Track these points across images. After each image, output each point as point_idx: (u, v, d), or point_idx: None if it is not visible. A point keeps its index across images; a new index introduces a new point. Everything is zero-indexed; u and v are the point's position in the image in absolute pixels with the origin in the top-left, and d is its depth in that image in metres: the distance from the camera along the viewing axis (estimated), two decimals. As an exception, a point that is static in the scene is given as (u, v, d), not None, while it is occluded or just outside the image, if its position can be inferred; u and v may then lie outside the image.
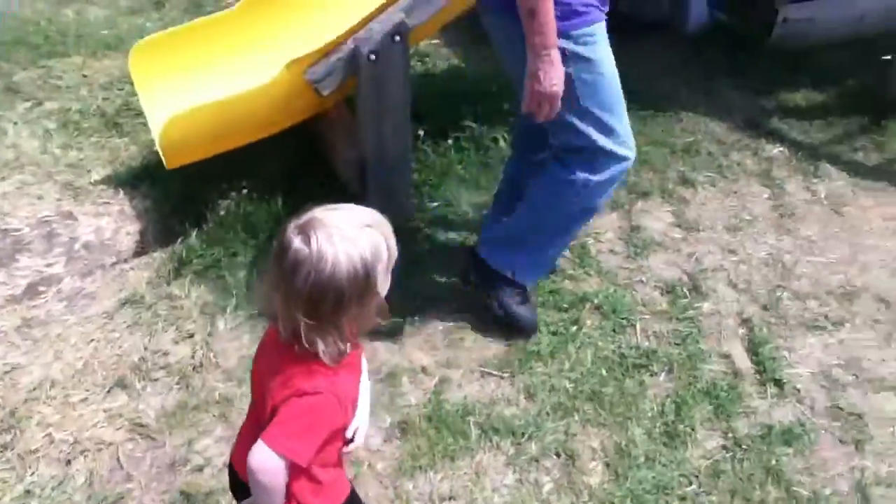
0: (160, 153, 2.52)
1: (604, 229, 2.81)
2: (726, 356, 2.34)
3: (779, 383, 2.24)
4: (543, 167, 2.19)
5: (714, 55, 3.78)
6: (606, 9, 1.99)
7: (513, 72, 2.03)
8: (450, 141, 3.01)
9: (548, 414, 2.16)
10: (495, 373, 2.28)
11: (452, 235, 2.74)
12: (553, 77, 1.85)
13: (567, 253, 2.67)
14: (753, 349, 2.35)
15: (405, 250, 2.58)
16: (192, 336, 2.36)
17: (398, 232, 1.27)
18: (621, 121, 2.07)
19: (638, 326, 2.42)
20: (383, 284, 1.27)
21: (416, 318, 2.42)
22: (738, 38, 3.83)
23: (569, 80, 1.90)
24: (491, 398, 2.20)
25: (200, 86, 2.71)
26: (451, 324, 2.42)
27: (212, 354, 2.31)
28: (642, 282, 2.59)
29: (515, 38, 1.87)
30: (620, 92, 2.06)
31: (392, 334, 2.36)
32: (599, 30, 1.96)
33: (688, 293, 2.55)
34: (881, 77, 3.40)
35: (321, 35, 2.51)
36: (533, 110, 1.92)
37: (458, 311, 2.45)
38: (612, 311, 2.46)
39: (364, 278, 1.20)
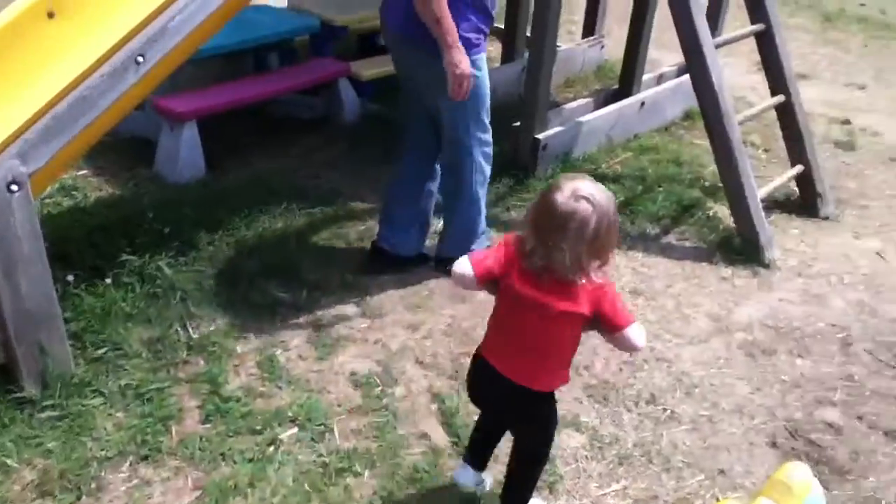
0: None
1: (290, 336, 2.78)
2: (424, 435, 2.40)
3: (472, 449, 2.34)
4: (441, 158, 3.05)
5: (372, 143, 4.00)
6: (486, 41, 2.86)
7: (425, 85, 2.86)
8: (108, 279, 2.81)
9: (256, 550, 2.04)
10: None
11: (125, 380, 2.52)
12: (464, 61, 2.64)
13: (254, 369, 2.61)
14: (447, 422, 2.44)
15: (69, 411, 2.35)
16: None
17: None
18: (487, 115, 2.95)
19: (336, 429, 2.40)
20: None
21: (90, 485, 2.17)
22: (392, 123, 4.10)
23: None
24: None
25: None
26: (134, 480, 2.21)
27: None
28: (335, 382, 2.58)
29: (423, 60, 2.72)
30: (487, 104, 2.92)
31: None
32: (484, 58, 2.84)
33: (380, 381, 2.59)
34: (515, 142, 3.82)
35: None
36: (456, 91, 2.67)
37: (140, 462, 2.25)
38: (307, 419, 2.42)
39: None
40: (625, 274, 3.18)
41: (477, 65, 2.79)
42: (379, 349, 2.74)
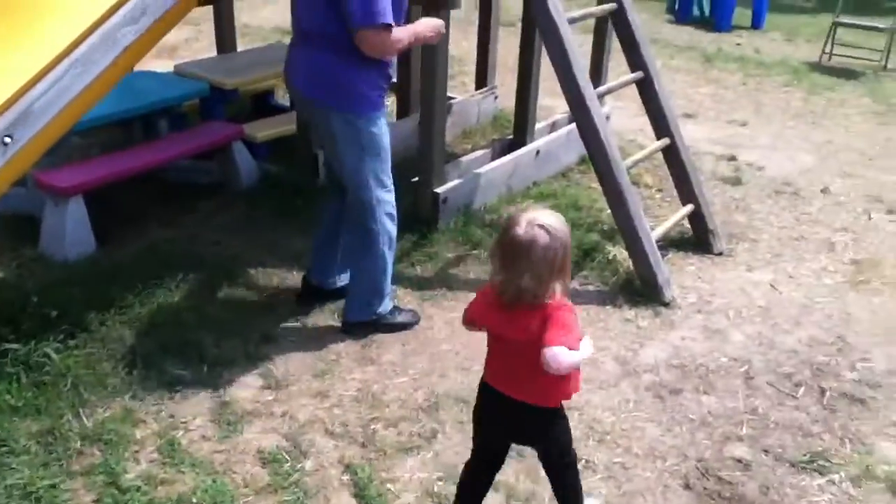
0: None
1: (191, 415, 2.65)
2: (335, 511, 2.31)
3: (389, 521, 2.27)
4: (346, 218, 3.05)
5: (271, 205, 3.93)
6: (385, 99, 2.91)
7: (327, 143, 2.91)
8: (-12, 372, 2.62)
9: None
10: None
11: (11, 479, 2.33)
12: (430, 24, 2.89)
13: (155, 455, 2.47)
14: (360, 493, 2.36)
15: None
16: None
17: None
18: (388, 174, 2.96)
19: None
20: None
21: None
22: (290, 184, 4.04)
23: (360, 147, 2.82)
24: None
25: None
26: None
27: None
28: (241, 461, 2.47)
29: (324, 119, 2.82)
30: (388, 156, 2.93)
31: None
32: (383, 115, 2.88)
33: (288, 457, 2.49)
34: (415, 196, 3.83)
35: None
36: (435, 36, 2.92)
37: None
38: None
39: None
40: (532, 323, 3.20)
41: (376, 123, 2.83)
42: (286, 422, 2.64)
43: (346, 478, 2.42)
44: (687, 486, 2.44)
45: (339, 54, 2.69)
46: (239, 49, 5.55)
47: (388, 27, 2.62)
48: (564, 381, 1.97)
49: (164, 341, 2.95)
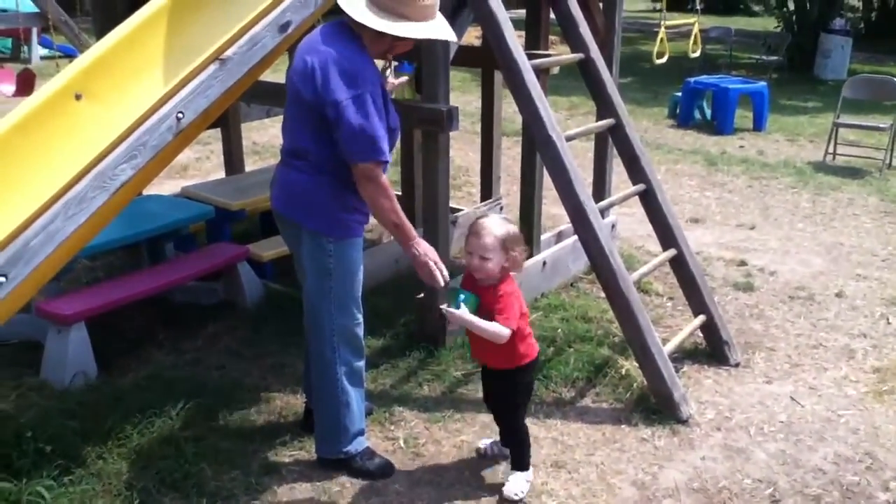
0: None
1: (187, 558, 2.51)
2: None
3: None
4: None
5: (276, 326, 3.89)
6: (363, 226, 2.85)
7: (299, 261, 2.91)
8: (-25, 517, 2.52)
9: None
10: None
11: None
12: (426, 251, 2.73)
13: None
14: None
15: None
16: None
17: None
18: (357, 302, 2.84)
19: None
20: None
21: None
22: (296, 304, 4.00)
23: (326, 270, 2.73)
24: None
25: None
26: None
27: None
28: None
29: (296, 237, 2.81)
30: (359, 282, 2.83)
31: None
32: (358, 242, 2.81)
33: None
34: (421, 314, 3.77)
35: None
36: (427, 278, 2.76)
37: None
38: None
39: None
40: (544, 445, 3.08)
41: (348, 248, 2.72)
42: (286, 564, 2.50)
43: None
44: None
45: (316, 175, 2.66)
46: (248, 168, 5.67)
47: (384, 164, 2.61)
48: (519, 340, 2.71)
49: (163, 475, 2.84)
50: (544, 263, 4.37)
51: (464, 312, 2.55)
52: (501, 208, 5.39)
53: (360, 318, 2.84)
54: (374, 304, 3.91)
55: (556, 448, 3.06)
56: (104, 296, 3.72)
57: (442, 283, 2.75)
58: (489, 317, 2.59)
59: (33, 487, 2.66)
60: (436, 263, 2.71)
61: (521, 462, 2.83)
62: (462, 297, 2.58)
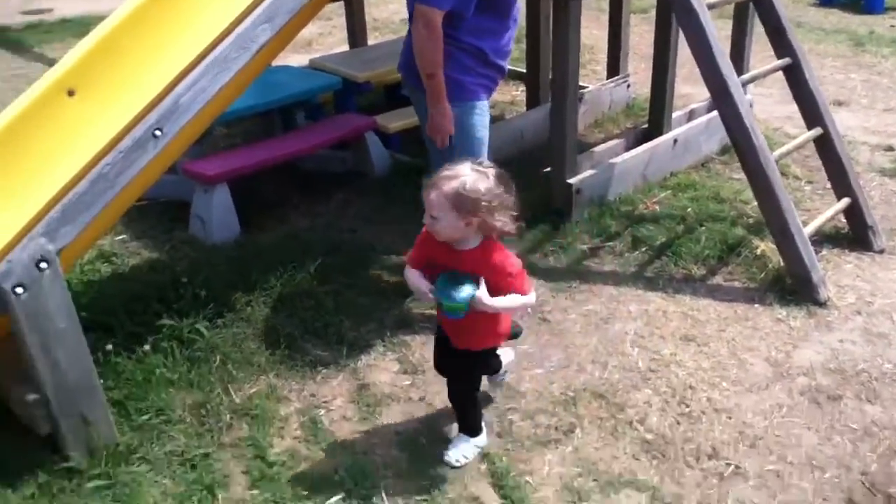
0: None
1: (332, 396, 2.71)
2: (475, 499, 2.29)
3: (528, 513, 2.23)
4: None
5: (404, 194, 3.97)
6: (491, 93, 2.88)
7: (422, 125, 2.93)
8: (147, 346, 2.77)
9: None
10: None
11: (170, 446, 2.47)
12: (441, 121, 2.75)
13: (298, 432, 2.55)
14: (498, 483, 2.33)
15: (117, 479, 2.29)
16: None
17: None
18: None
19: (384, 493, 2.31)
20: None
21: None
22: (422, 174, 4.05)
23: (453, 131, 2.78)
24: None
25: None
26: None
27: None
28: (381, 443, 2.49)
29: (419, 101, 2.86)
30: (484, 149, 2.85)
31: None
32: (480, 105, 2.82)
33: (427, 442, 2.50)
34: (548, 187, 3.76)
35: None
36: (434, 139, 2.81)
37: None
38: (355, 484, 2.33)
39: None
40: (673, 319, 3.07)
41: (468, 112, 2.77)
42: (423, 407, 2.65)
43: (483, 467, 2.40)
44: (850, 501, 2.26)
45: None
46: (369, 42, 5.65)
47: (438, 13, 2.62)
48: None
49: (306, 323, 3.03)
50: (675, 141, 4.22)
51: (483, 297, 2.11)
52: (629, 86, 5.20)
53: None
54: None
55: (686, 322, 3.05)
56: (243, 159, 3.89)
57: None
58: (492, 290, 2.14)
59: (192, 326, 2.90)
60: (447, 134, 2.79)
61: (469, 426, 2.45)
62: (462, 294, 2.10)
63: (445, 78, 2.73)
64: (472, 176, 2.06)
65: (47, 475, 2.34)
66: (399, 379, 2.79)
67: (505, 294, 2.15)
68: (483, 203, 2.05)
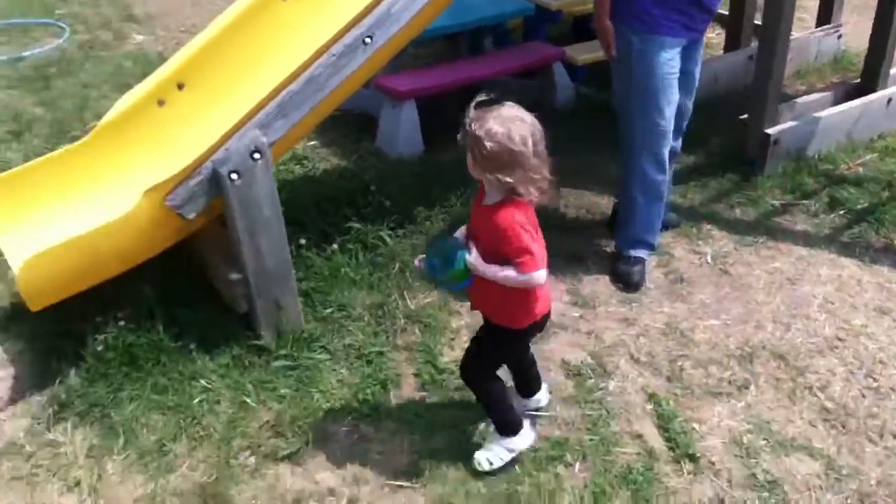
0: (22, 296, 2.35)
1: (502, 317, 2.77)
2: (638, 436, 2.30)
3: (693, 458, 2.21)
4: None
5: (586, 128, 3.90)
6: (691, 35, 2.69)
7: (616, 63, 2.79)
8: (335, 245, 2.94)
9: (465, 524, 2.04)
10: (406, 484, 2.15)
11: (348, 340, 2.63)
12: (600, 38, 2.74)
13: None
14: (664, 425, 2.32)
15: (299, 363, 2.49)
16: (78, 484, 2.17)
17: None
18: (661, 111, 2.73)
19: (547, 416, 2.36)
20: None
21: (317, 433, 2.28)
22: (606, 110, 3.96)
23: (629, 69, 2.69)
24: (405, 514, 2.08)
25: (61, 221, 2.56)
26: (355, 435, 2.30)
27: (102, 501, 2.11)
28: (546, 367, 2.54)
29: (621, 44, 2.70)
30: (664, 95, 2.69)
31: (294, 456, 2.22)
32: (666, 43, 2.63)
33: (592, 374, 2.51)
34: (742, 136, 3.56)
35: (182, 157, 2.41)
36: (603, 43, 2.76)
37: (361, 419, 2.34)
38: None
39: None
40: (868, 289, 2.87)
41: (655, 48, 2.63)
42: (592, 340, 2.66)
43: (649, 407, 2.40)
44: None
45: None
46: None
47: None
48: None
49: (481, 244, 3.09)
50: (889, 101, 3.86)
51: (474, 260, 1.95)
52: (840, 37, 4.78)
53: (665, 126, 2.75)
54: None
55: (882, 294, 2.85)
56: (432, 78, 3.95)
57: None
58: (491, 258, 1.94)
59: (376, 232, 3.04)
60: (608, 51, 2.75)
61: (496, 420, 2.19)
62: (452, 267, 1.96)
63: (631, 2, 2.62)
64: (494, 123, 1.86)
65: (240, 349, 2.57)
66: (569, 310, 2.81)
67: (502, 264, 1.92)
68: (491, 154, 1.85)
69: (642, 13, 2.61)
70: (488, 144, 1.85)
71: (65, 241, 2.32)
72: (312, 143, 3.86)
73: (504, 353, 2.18)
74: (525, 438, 2.19)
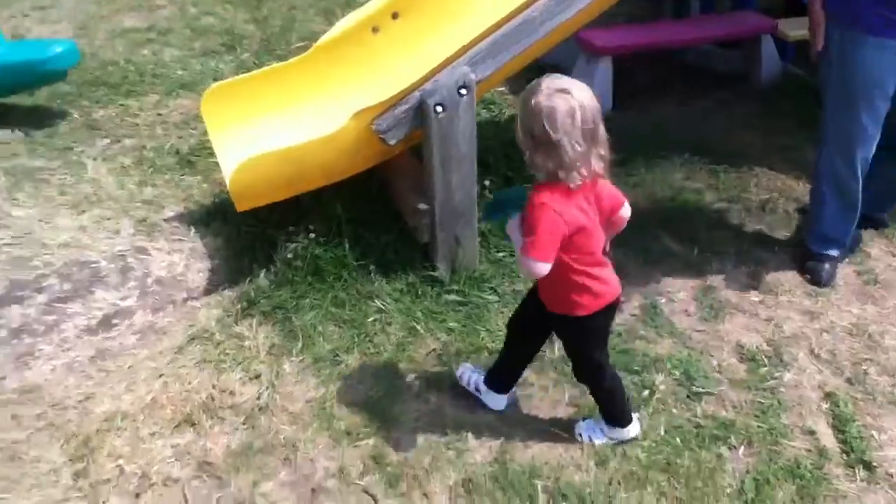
0: (230, 196, 2.55)
1: (676, 288, 2.71)
2: (810, 432, 2.20)
3: (868, 466, 2.09)
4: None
5: (789, 108, 3.68)
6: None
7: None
8: (520, 191, 2.96)
9: (619, 483, 2.05)
10: (564, 434, 2.19)
11: (518, 286, 2.68)
12: (810, 24, 2.61)
13: (637, 311, 2.61)
14: (839, 427, 2.21)
15: (469, 300, 2.55)
16: (258, 377, 2.35)
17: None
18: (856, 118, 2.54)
19: (715, 395, 2.31)
20: None
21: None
22: (813, 90, 3.73)
23: (830, 58, 2.54)
24: (559, 461, 2.11)
25: (271, 131, 2.73)
26: (519, 380, 2.35)
27: (277, 397, 2.29)
28: (719, 348, 2.47)
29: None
30: (866, 98, 2.49)
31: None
32: (874, 43, 2.40)
33: (767, 362, 2.42)
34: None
35: (390, 84, 2.50)
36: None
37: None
38: (685, 376, 2.35)
39: None
40: None
41: (856, 44, 2.43)
42: (770, 328, 2.56)
43: (825, 405, 2.29)
44: None
45: None
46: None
47: None
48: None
49: (664, 214, 3.03)
50: None
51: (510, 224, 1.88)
52: None
53: (858, 132, 2.55)
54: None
55: None
56: (632, 37, 3.86)
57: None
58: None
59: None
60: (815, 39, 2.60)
61: (605, 412, 2.13)
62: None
63: (847, 6, 2.43)
64: (543, 95, 1.73)
65: (416, 278, 2.67)
66: (748, 293, 2.71)
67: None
68: (535, 128, 1.72)
69: (849, 4, 2.42)
70: (528, 122, 1.74)
71: (276, 150, 2.48)
72: (500, 88, 3.88)
73: (586, 342, 2.04)
74: (630, 431, 2.14)
